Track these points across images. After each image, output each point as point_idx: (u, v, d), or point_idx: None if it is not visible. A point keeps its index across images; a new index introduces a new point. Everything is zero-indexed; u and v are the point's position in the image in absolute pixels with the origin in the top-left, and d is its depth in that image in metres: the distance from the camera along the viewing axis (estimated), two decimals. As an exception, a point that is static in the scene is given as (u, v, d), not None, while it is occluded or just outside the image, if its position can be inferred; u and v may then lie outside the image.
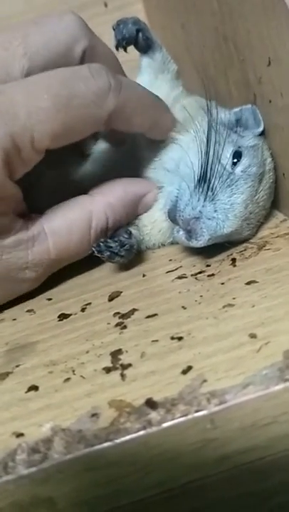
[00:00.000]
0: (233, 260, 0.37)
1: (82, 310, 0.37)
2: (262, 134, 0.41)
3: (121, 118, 0.37)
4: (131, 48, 0.44)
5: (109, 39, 0.50)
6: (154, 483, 0.26)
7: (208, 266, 0.38)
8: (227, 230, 0.37)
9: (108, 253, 0.38)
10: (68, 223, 0.38)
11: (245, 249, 0.38)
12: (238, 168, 0.38)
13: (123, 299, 0.37)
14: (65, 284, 0.41)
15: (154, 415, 0.26)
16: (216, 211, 0.37)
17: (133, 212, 0.41)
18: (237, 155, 0.38)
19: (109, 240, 0.39)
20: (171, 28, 0.55)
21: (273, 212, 0.42)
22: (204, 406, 0.25)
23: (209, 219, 0.36)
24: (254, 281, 0.34)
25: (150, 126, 0.40)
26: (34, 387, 0.30)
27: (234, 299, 0.33)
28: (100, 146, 0.44)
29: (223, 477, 0.26)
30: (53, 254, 0.38)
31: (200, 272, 0.37)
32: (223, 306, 0.32)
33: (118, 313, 0.35)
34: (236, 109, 0.41)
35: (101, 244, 0.38)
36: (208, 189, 0.37)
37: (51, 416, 0.27)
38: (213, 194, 0.37)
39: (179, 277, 0.37)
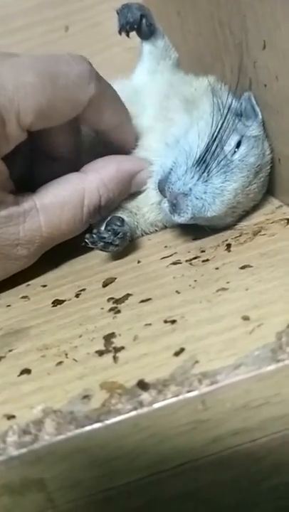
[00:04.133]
0: (228, 246, 0.37)
1: (77, 296, 0.37)
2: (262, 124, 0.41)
3: (96, 109, 0.37)
4: (134, 35, 0.44)
5: (108, 28, 0.50)
6: (145, 464, 0.26)
7: (202, 252, 0.37)
8: (211, 213, 0.37)
9: (102, 243, 0.38)
10: (60, 200, 0.38)
11: (240, 235, 0.38)
12: (236, 156, 0.38)
13: (117, 284, 0.37)
14: (60, 271, 0.41)
15: (145, 396, 0.25)
16: (205, 193, 0.37)
17: (126, 190, 0.41)
18: (238, 144, 0.38)
19: (102, 230, 0.38)
20: (167, 16, 0.55)
21: (269, 199, 0.42)
22: (196, 387, 0.25)
23: (197, 198, 0.36)
24: (248, 266, 0.34)
25: (116, 126, 0.40)
26: (26, 371, 0.30)
27: (228, 283, 0.32)
28: None
29: (215, 459, 0.26)
30: (44, 231, 0.37)
31: (195, 258, 0.37)
32: (217, 290, 0.32)
33: (112, 298, 0.35)
34: (240, 99, 0.41)
35: (94, 235, 0.38)
36: (204, 170, 0.37)
37: (43, 398, 0.27)
38: (207, 176, 0.37)
39: (174, 263, 0.37)
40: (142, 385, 0.26)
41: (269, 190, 0.41)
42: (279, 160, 0.39)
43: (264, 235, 0.37)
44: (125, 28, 0.43)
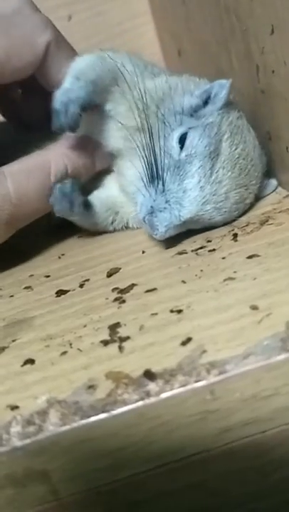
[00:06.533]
0: (235, 235, 0.37)
1: (81, 286, 0.36)
2: (229, 109, 0.38)
3: (55, 56, 0.40)
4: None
5: (111, 17, 0.48)
6: (152, 456, 0.25)
7: (209, 241, 0.37)
8: (185, 216, 0.36)
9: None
10: (27, 168, 0.39)
11: (247, 225, 0.37)
12: (183, 153, 0.37)
13: (122, 274, 0.36)
14: (63, 262, 0.41)
15: (152, 386, 0.25)
16: (167, 202, 0.36)
17: (91, 162, 0.41)
18: (182, 139, 0.37)
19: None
20: (172, 5, 0.54)
21: (276, 188, 0.41)
22: (204, 376, 0.25)
23: (161, 211, 0.36)
24: (256, 255, 0.33)
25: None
26: (30, 361, 0.29)
27: (235, 272, 0.32)
28: None
29: (224, 450, 0.26)
30: (13, 197, 0.38)
31: (201, 248, 0.36)
32: (224, 280, 0.31)
33: (117, 288, 0.34)
34: (206, 87, 0.39)
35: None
36: (158, 183, 0.36)
37: (47, 388, 0.27)
38: (163, 186, 0.36)
39: (180, 253, 0.37)
40: (149, 375, 0.25)
41: (277, 179, 0.41)
42: (287, 148, 0.39)
43: (271, 224, 0.36)
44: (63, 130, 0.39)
